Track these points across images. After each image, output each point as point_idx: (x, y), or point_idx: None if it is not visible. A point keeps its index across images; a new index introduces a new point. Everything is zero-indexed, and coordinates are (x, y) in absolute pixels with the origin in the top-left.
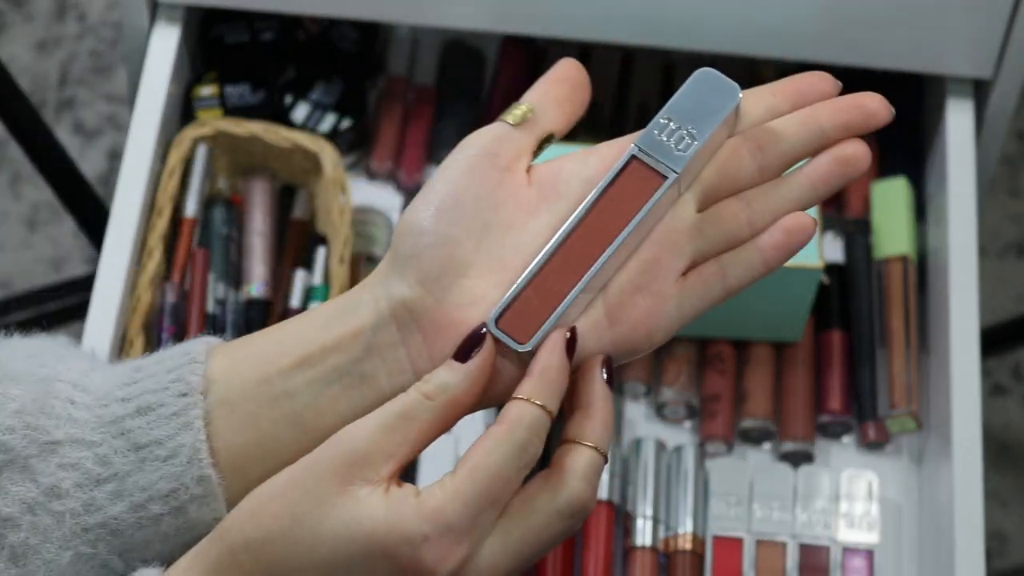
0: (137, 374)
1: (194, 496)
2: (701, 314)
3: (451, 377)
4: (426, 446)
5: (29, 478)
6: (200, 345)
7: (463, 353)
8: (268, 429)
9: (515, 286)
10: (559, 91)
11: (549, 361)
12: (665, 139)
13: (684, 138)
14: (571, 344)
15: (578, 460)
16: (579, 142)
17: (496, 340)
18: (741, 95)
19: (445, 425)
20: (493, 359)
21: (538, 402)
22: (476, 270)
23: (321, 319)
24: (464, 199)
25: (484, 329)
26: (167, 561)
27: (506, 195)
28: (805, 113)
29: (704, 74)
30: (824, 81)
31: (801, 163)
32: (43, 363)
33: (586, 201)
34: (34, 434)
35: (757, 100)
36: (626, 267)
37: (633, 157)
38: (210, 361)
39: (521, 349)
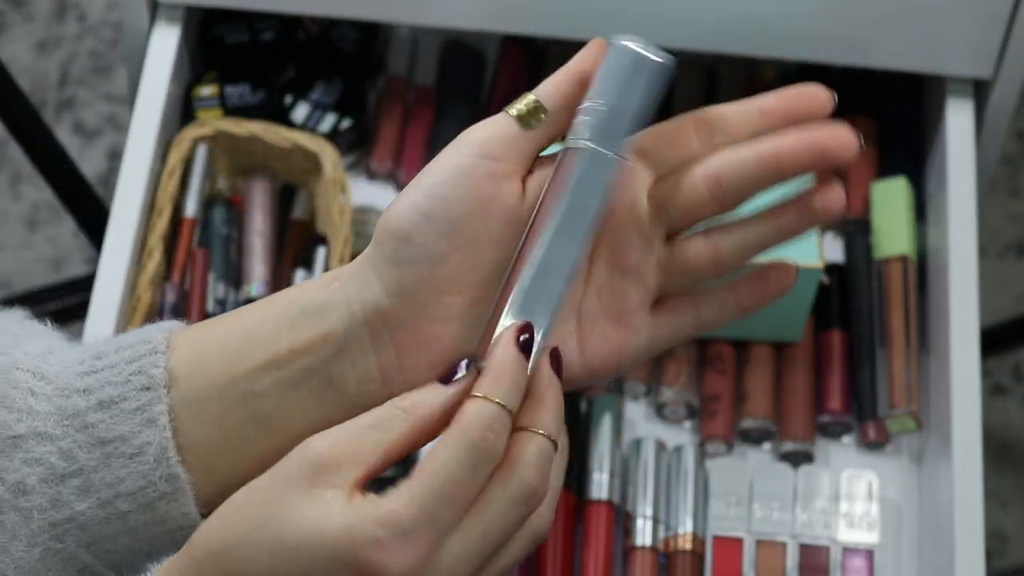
0: (97, 362)
1: (162, 493)
2: (672, 346)
3: (431, 397)
4: (397, 460)
5: None
6: (160, 334)
7: (447, 376)
8: (235, 428)
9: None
10: (574, 90)
11: (502, 357)
12: (596, 122)
13: (613, 118)
14: (555, 359)
15: (527, 448)
16: None
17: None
18: (659, 60)
19: (417, 441)
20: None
21: (495, 399)
22: (457, 287)
23: (289, 315)
24: (455, 211)
25: (467, 362)
26: (133, 552)
27: (499, 208)
28: (766, 150)
29: (618, 48)
30: (817, 96)
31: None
32: (0, 349)
33: (536, 208)
34: None
35: (743, 121)
36: (599, 296)
37: (567, 148)
38: (172, 352)
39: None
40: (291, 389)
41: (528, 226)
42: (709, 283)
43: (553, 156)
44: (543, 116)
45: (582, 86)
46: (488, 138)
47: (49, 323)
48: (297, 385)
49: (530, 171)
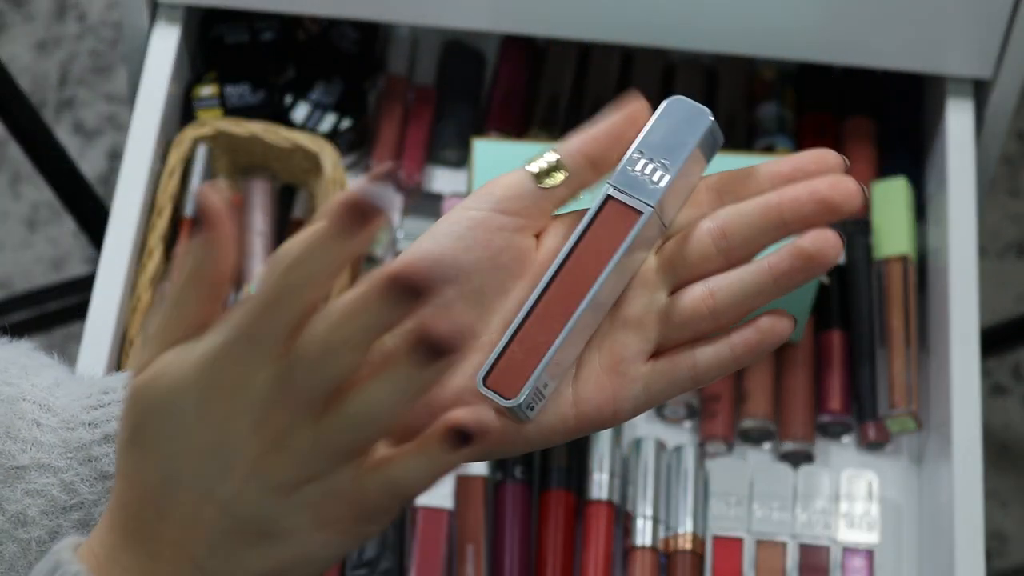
0: (104, 397)
1: None
2: (668, 398)
3: (204, 252)
4: (204, 316)
5: None
6: None
7: (200, 221)
8: None
9: (500, 342)
10: (600, 150)
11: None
12: (639, 174)
13: (657, 170)
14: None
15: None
16: None
17: (485, 399)
18: (712, 118)
19: (213, 295)
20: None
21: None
22: None
23: None
24: (464, 260)
25: (204, 193)
26: None
27: (509, 260)
28: (768, 202)
29: (673, 103)
30: (829, 159)
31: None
32: (7, 379)
33: (564, 247)
34: (0, 459)
35: (755, 187)
36: (597, 346)
37: (608, 197)
38: None
39: (509, 404)
40: None
41: (556, 269)
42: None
43: (571, 212)
44: (562, 175)
45: (607, 145)
46: (505, 193)
47: (56, 356)
48: None
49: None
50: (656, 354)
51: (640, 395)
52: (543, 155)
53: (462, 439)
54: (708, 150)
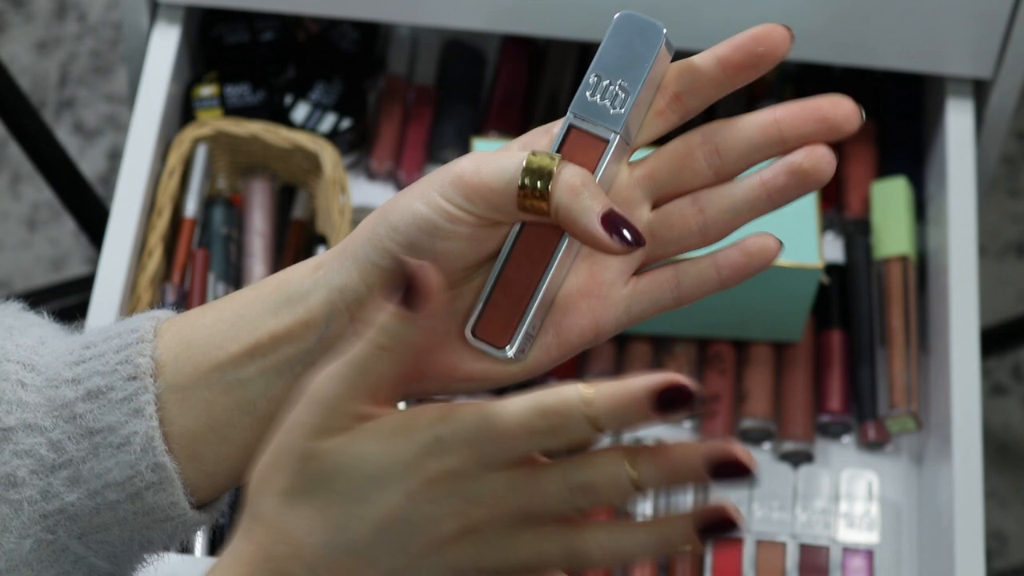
0: (86, 352)
1: (150, 483)
2: (649, 317)
3: (406, 330)
4: (393, 387)
5: None
6: (147, 322)
7: (410, 300)
8: (222, 416)
9: (484, 291)
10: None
11: (630, 389)
12: (599, 99)
13: (618, 94)
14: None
15: (607, 456)
16: None
17: (476, 350)
18: (665, 31)
19: (407, 369)
20: (440, 296)
21: (590, 408)
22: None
23: (274, 301)
24: (440, 247)
25: (419, 268)
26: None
27: (486, 238)
28: (766, 118)
29: (623, 19)
30: (776, 33)
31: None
32: None
33: None
34: None
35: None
36: (575, 270)
37: (571, 127)
38: (159, 340)
39: (502, 355)
40: (276, 377)
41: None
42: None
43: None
44: (545, 201)
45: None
46: (479, 193)
47: (47, 315)
48: (281, 372)
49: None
50: (636, 272)
51: (622, 317)
52: (541, 162)
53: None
54: (663, 63)
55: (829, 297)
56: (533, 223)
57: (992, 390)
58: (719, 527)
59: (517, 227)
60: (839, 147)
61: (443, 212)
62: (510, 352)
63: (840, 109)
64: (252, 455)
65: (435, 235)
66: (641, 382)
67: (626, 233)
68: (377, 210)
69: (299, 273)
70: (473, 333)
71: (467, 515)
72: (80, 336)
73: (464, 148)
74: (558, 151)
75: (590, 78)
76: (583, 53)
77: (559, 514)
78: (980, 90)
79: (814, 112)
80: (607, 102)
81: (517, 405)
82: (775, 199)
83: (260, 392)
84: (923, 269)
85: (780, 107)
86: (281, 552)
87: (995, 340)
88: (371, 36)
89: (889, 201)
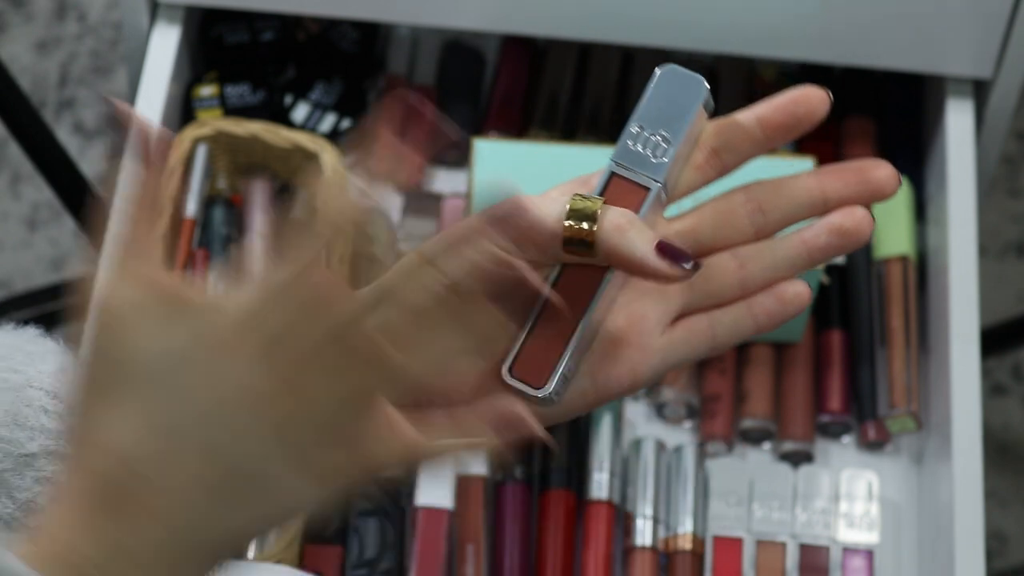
0: None
1: None
2: (686, 364)
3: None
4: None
5: (5, 493)
6: None
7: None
8: None
9: (522, 332)
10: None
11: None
12: (640, 149)
13: (659, 144)
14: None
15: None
16: (579, 142)
17: (512, 389)
18: (707, 86)
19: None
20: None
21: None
22: None
23: None
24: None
25: (124, 109)
26: None
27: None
28: (811, 182)
29: (667, 73)
30: (812, 96)
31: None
32: (14, 367)
33: None
34: (8, 447)
35: (801, 190)
36: (612, 319)
37: (613, 174)
38: None
39: (540, 394)
40: None
41: None
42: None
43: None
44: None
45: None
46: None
47: (61, 341)
48: None
49: None
50: (672, 320)
51: (659, 366)
52: (587, 217)
53: (510, 429)
54: (704, 117)
55: (829, 297)
56: (572, 265)
57: (992, 390)
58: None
59: (557, 269)
60: (839, 147)
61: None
62: (546, 393)
63: (881, 172)
64: None
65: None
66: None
67: (682, 260)
68: None
69: None
70: (510, 372)
71: (273, 357)
72: None
73: (464, 148)
74: (600, 196)
75: (632, 128)
76: (583, 53)
77: (369, 333)
78: (980, 90)
79: (857, 175)
80: (648, 152)
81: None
82: (815, 257)
83: None
84: (923, 269)
85: (823, 170)
86: (106, 464)
87: (995, 340)
88: (371, 36)
89: (889, 201)
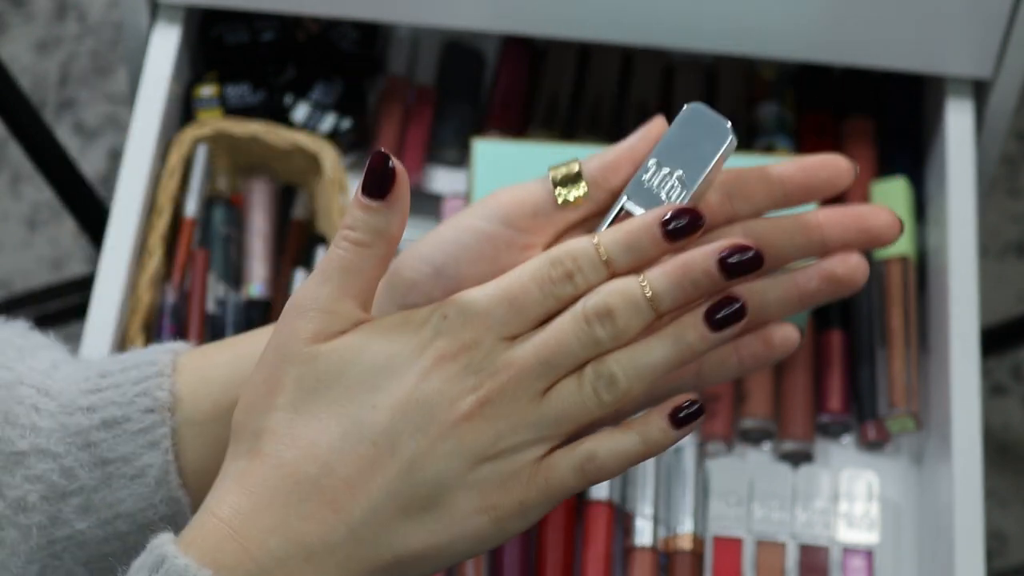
0: (102, 381)
1: (163, 515)
2: (668, 398)
3: (380, 221)
4: (376, 283)
5: None
6: (166, 355)
7: (376, 188)
8: None
9: None
10: (620, 175)
11: (637, 222)
12: (655, 187)
13: (675, 185)
14: (671, 228)
15: (614, 282)
16: (579, 142)
17: None
18: (731, 132)
19: (387, 263)
20: (408, 190)
21: (595, 241)
22: None
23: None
24: (466, 272)
25: (390, 162)
26: None
27: (514, 264)
28: (810, 221)
29: (693, 111)
30: (840, 164)
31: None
32: (4, 363)
33: None
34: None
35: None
36: None
37: (623, 209)
38: (177, 375)
39: None
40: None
41: None
42: None
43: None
44: (581, 191)
45: (627, 170)
46: (516, 210)
47: (51, 334)
48: None
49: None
50: None
51: (643, 400)
52: (567, 163)
53: (690, 417)
54: (724, 161)
55: None
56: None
57: (992, 390)
58: (728, 313)
59: None
60: (839, 147)
61: (477, 232)
62: None
63: (881, 219)
64: None
65: (461, 258)
66: (647, 214)
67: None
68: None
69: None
70: None
71: (484, 387)
72: (95, 363)
73: (464, 148)
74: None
75: (649, 162)
76: (583, 53)
77: (579, 359)
78: (980, 90)
79: (857, 221)
80: (662, 191)
81: (529, 263)
82: (805, 302)
83: None
84: (923, 269)
85: (823, 212)
86: (292, 455)
87: (995, 340)
88: (371, 36)
89: (889, 201)
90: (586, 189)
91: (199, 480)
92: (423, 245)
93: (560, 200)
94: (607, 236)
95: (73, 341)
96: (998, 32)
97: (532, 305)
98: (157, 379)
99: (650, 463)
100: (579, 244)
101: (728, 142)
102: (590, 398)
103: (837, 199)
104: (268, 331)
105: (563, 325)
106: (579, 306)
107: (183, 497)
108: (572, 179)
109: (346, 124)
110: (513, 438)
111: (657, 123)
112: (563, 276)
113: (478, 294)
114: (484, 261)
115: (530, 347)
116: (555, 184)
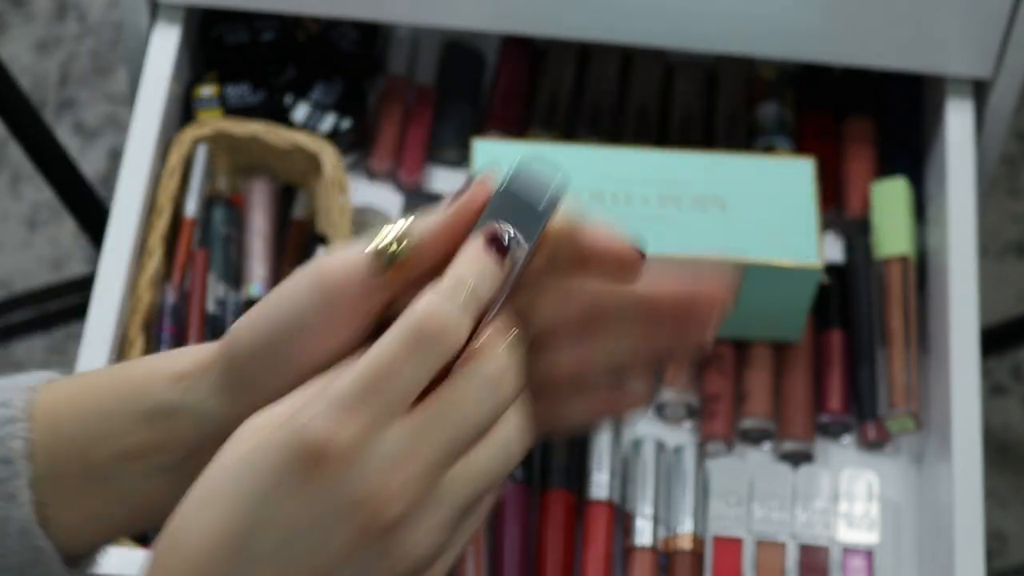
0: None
1: (28, 561)
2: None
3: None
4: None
5: None
6: (20, 397)
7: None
8: (99, 506)
9: None
10: (449, 239)
11: (460, 265)
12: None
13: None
14: (497, 243)
15: (495, 337)
16: (579, 142)
17: None
18: (560, 178)
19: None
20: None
21: (443, 294)
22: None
23: (141, 410)
24: (297, 349)
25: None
26: None
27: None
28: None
29: (520, 169)
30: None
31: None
32: None
33: None
34: None
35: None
36: None
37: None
38: (33, 421)
39: None
40: (147, 479)
41: None
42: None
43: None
44: (406, 249)
45: (456, 233)
46: (335, 277)
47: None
48: (150, 477)
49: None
50: None
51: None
52: (390, 233)
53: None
54: (555, 212)
55: (829, 297)
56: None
57: (992, 390)
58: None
59: None
60: (839, 147)
61: (301, 308)
62: None
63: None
64: (133, 535)
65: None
66: (468, 244)
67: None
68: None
69: (163, 383)
70: None
71: (394, 482)
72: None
73: (464, 148)
74: None
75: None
76: (583, 53)
77: (482, 427)
78: (980, 90)
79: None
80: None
81: (381, 343)
82: (653, 352)
83: (133, 489)
84: (923, 269)
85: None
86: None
87: (995, 340)
88: (371, 36)
89: (889, 201)
90: (408, 254)
91: (63, 525)
92: (255, 319)
93: (386, 266)
94: (447, 280)
95: (73, 341)
96: (998, 32)
97: (405, 379)
98: (10, 426)
99: (650, 463)
100: (426, 301)
101: (557, 190)
102: (498, 464)
103: (837, 200)
104: (118, 382)
105: (459, 399)
106: (468, 381)
107: (47, 546)
108: (399, 244)
109: (346, 124)
110: (438, 530)
111: (480, 186)
112: (430, 339)
113: (344, 385)
114: (309, 326)
115: (428, 426)
116: (379, 252)
